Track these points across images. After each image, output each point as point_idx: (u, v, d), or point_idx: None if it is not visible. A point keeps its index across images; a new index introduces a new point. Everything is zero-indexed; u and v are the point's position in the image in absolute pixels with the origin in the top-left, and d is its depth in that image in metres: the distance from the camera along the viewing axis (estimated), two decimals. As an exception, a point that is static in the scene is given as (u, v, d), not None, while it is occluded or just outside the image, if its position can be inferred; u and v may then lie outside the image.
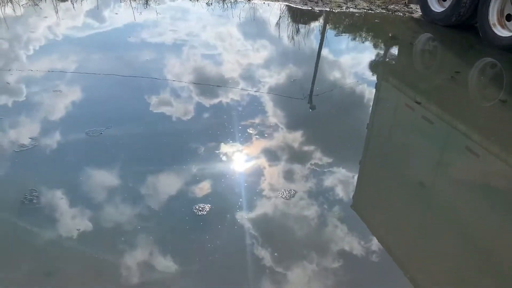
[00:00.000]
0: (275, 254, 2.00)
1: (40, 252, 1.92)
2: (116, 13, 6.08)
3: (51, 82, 3.61)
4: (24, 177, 2.42)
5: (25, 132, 2.83)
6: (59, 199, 2.24)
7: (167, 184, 2.44)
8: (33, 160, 2.57)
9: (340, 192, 2.52)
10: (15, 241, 1.98)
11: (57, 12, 5.79)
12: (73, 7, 6.11)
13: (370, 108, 3.82)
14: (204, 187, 2.41)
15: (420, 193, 2.70)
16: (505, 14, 5.57)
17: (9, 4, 5.98)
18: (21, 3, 6.05)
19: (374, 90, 4.21)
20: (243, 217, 2.20)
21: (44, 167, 2.54)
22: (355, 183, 2.64)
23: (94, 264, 1.88)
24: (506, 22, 5.56)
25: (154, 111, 3.27)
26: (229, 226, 2.14)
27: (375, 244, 2.14)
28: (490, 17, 5.64)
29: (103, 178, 2.44)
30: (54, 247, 1.95)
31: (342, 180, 2.65)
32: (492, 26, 5.63)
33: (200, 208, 2.22)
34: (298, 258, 1.99)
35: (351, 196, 2.50)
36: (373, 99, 4.01)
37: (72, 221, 2.11)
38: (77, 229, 2.06)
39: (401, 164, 3.00)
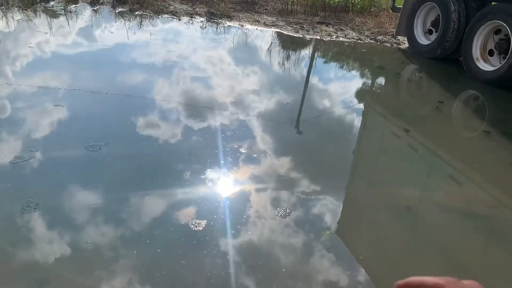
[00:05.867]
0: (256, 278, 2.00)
1: (39, 261, 1.90)
2: (112, 32, 6.17)
3: (49, 97, 3.63)
4: (23, 187, 2.44)
5: (25, 143, 2.88)
6: (61, 208, 2.23)
7: (168, 194, 2.45)
8: (31, 172, 2.60)
9: (326, 218, 2.55)
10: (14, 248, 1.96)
11: (51, 28, 5.84)
12: (68, 24, 6.18)
13: (357, 134, 3.90)
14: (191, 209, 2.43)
15: (406, 219, 2.74)
16: (488, 49, 5.80)
17: (4, 19, 6.02)
18: (16, 18, 6.10)
19: (361, 118, 4.30)
20: (229, 243, 2.21)
21: (41, 178, 2.57)
22: (341, 209, 2.68)
23: (92, 267, 1.87)
24: (489, 57, 5.79)
25: (147, 132, 3.30)
26: (213, 249, 2.15)
27: (360, 271, 2.16)
28: (473, 52, 5.86)
29: (99, 191, 2.45)
30: (52, 257, 1.94)
31: (328, 206, 2.68)
32: (475, 60, 5.85)
33: (197, 224, 2.26)
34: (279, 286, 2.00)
35: (337, 222, 2.53)
36: (359, 126, 4.09)
37: (73, 231, 2.11)
38: (87, 242, 2.07)
39: (387, 190, 3.05)
